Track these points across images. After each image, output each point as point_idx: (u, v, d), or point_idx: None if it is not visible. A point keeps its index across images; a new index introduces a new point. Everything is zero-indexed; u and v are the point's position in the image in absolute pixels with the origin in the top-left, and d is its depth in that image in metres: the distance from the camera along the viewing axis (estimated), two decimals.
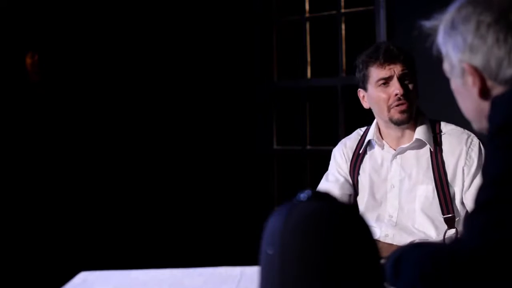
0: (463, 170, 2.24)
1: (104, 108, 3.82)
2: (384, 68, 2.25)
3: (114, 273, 1.65)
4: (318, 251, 1.08)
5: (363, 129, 2.48)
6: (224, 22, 4.10)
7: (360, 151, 2.39)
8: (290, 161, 4.25)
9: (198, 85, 4.09)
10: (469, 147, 2.26)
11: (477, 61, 1.15)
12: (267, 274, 1.13)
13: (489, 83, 1.16)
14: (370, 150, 2.38)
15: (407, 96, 2.24)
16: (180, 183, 3.98)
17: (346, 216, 1.14)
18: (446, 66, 1.24)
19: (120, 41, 3.87)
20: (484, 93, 1.17)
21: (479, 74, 1.16)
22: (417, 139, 2.28)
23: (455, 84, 1.23)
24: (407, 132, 2.32)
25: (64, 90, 3.68)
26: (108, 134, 3.82)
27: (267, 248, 1.13)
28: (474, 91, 1.18)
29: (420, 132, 2.29)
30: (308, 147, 4.14)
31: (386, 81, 2.25)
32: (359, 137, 2.44)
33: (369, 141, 2.37)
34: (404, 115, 2.26)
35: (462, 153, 2.25)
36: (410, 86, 2.25)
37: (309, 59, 4.09)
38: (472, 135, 2.29)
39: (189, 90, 4.08)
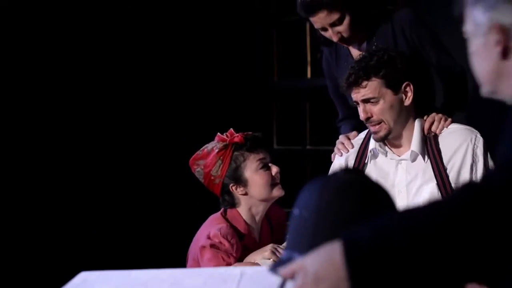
0: (471, 167, 2.24)
1: (103, 108, 3.82)
2: (353, 93, 2.31)
3: (114, 273, 1.64)
4: (349, 216, 1.21)
5: (362, 134, 2.49)
6: (224, 22, 4.10)
7: (363, 160, 2.40)
8: (290, 161, 4.25)
9: (198, 85, 4.09)
10: (474, 144, 2.26)
11: (506, 20, 1.19)
12: (300, 234, 1.26)
13: None
14: (373, 159, 2.39)
15: (372, 118, 2.28)
16: (180, 183, 3.98)
17: (373, 186, 1.29)
18: (469, 27, 1.26)
19: (120, 41, 3.86)
20: (506, 52, 1.20)
21: (506, 33, 1.19)
22: (412, 151, 2.30)
23: (475, 44, 1.25)
24: (405, 137, 2.33)
25: (67, 90, 3.69)
26: (108, 134, 3.82)
27: (301, 211, 1.28)
28: (496, 50, 1.20)
29: (415, 142, 2.30)
30: (308, 147, 4.15)
31: (357, 103, 2.31)
32: (359, 144, 2.45)
33: (371, 150, 2.38)
34: (376, 136, 2.31)
35: (468, 150, 2.25)
36: (375, 107, 2.27)
37: (309, 59, 4.10)
38: (475, 131, 2.29)
39: (189, 90, 4.08)
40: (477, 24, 1.23)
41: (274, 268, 1.27)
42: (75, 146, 3.71)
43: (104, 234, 3.73)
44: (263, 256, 2.27)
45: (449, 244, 1.00)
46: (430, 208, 1.06)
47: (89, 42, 3.75)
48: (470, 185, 1.08)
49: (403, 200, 2.30)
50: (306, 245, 1.21)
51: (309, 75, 4.12)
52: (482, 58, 1.25)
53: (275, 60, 4.24)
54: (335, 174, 1.30)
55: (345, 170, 1.30)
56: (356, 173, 1.32)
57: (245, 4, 4.14)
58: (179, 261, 2.53)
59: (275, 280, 1.38)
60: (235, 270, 1.66)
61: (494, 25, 1.20)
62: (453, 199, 1.06)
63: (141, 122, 3.96)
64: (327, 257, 1.06)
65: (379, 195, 1.29)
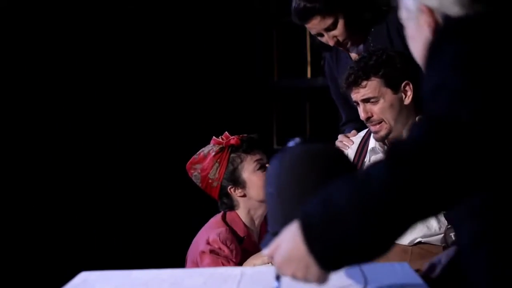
0: None
1: (103, 108, 3.82)
2: (352, 93, 2.32)
3: (115, 273, 1.65)
4: (309, 184, 1.28)
5: (362, 133, 2.50)
6: (225, 22, 4.10)
7: (362, 157, 2.40)
8: None
9: (199, 85, 4.09)
10: None
11: (432, 2, 1.27)
12: (272, 210, 1.37)
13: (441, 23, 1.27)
14: (373, 155, 2.39)
15: (372, 118, 2.29)
16: (180, 183, 3.97)
17: (328, 153, 1.38)
18: (403, 13, 1.34)
19: (120, 42, 3.86)
20: (435, 32, 1.28)
21: (433, 14, 1.27)
22: None
23: (410, 28, 1.34)
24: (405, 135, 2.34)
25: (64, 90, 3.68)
26: (108, 134, 3.82)
27: (268, 188, 1.37)
28: (427, 31, 1.28)
29: None
30: None
31: (358, 103, 2.32)
32: (359, 142, 2.46)
33: (371, 148, 2.38)
34: (377, 135, 2.32)
35: None
36: (375, 107, 2.29)
37: (309, 59, 4.10)
38: None
39: (190, 89, 4.08)
40: (408, 9, 1.31)
41: (263, 247, 1.32)
42: (75, 147, 3.71)
43: (104, 234, 3.72)
44: (263, 260, 2.28)
45: (382, 207, 1.05)
46: (364, 174, 1.09)
47: (89, 42, 3.75)
48: (394, 146, 1.10)
49: None
50: (280, 220, 1.29)
51: (309, 75, 4.12)
52: (416, 41, 1.32)
53: (275, 60, 4.24)
54: (291, 147, 1.37)
55: (300, 141, 1.36)
56: (310, 143, 1.38)
57: (245, 4, 4.14)
58: (179, 261, 2.53)
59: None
60: (235, 270, 1.66)
61: (422, 7, 1.27)
62: (383, 163, 1.09)
63: (142, 122, 3.96)
64: (291, 238, 1.12)
65: (336, 161, 1.36)
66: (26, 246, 3.49)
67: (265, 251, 1.22)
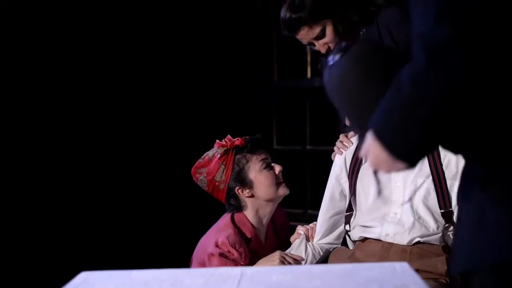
0: None
1: (104, 111, 3.82)
2: None
3: (115, 273, 1.64)
4: (353, 94, 1.50)
5: None
6: (225, 22, 4.10)
7: (360, 160, 2.42)
8: (290, 161, 4.26)
9: (198, 85, 4.09)
10: None
11: None
12: (344, 115, 1.72)
13: None
14: None
15: None
16: (180, 183, 3.98)
17: (366, 56, 1.51)
18: None
19: (119, 42, 3.86)
20: None
21: None
22: None
23: None
24: None
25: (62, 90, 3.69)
26: (109, 134, 3.82)
27: (333, 101, 1.58)
28: None
29: None
30: (308, 147, 4.15)
31: None
32: (357, 143, 2.47)
33: None
34: None
35: None
36: None
37: (309, 59, 4.10)
38: None
39: (190, 90, 4.08)
40: None
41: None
42: (76, 148, 3.72)
43: (104, 234, 3.73)
44: (272, 265, 2.29)
45: (432, 117, 1.27)
46: (409, 81, 1.28)
47: (89, 45, 3.75)
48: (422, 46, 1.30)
49: (400, 193, 2.31)
50: (356, 124, 1.56)
51: (309, 75, 4.12)
52: None
53: (275, 60, 4.24)
54: (332, 65, 1.52)
55: (340, 53, 1.50)
56: (346, 53, 1.50)
57: (245, 4, 4.14)
58: (180, 261, 2.53)
59: (275, 280, 1.39)
60: (235, 270, 1.66)
61: None
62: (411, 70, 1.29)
63: (142, 122, 3.96)
64: (373, 147, 1.38)
65: (378, 58, 1.50)
66: (26, 246, 3.49)
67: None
